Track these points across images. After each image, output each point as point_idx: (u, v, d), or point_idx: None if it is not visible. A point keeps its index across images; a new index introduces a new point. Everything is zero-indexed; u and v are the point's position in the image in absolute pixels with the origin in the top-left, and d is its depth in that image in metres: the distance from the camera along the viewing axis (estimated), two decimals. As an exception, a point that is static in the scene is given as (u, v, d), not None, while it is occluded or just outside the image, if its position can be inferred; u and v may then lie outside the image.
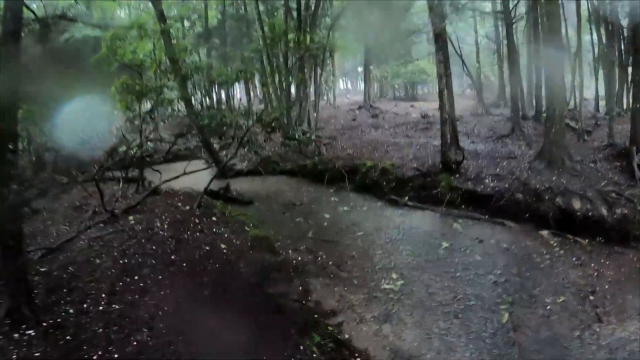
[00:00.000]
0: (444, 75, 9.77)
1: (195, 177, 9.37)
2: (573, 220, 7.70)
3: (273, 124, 12.72)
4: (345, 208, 9.28)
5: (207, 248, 6.55)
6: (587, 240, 7.42)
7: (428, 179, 9.34)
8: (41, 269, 5.36)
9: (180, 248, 6.33)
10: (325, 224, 8.61)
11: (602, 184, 8.19)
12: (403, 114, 14.56)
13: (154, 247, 6.22)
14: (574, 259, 6.82)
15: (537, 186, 8.26)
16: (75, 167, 9.52)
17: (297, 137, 12.25)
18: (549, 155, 9.06)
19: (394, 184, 9.64)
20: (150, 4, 11.96)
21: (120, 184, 8.98)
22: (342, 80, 41.61)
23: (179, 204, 8.15)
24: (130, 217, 7.16)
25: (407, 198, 9.29)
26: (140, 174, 9.08)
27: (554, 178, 8.45)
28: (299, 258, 7.23)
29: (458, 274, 6.65)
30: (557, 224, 7.81)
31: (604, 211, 7.59)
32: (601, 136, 11.78)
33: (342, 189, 10.31)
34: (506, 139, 12.56)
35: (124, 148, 9.55)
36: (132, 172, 9.53)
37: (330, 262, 7.09)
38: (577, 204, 7.80)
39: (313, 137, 12.74)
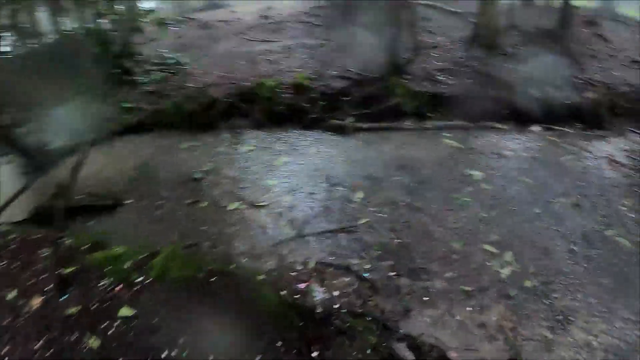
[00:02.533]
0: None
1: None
2: (552, 111, 6.53)
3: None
4: (285, 159, 5.84)
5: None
6: (572, 129, 6.46)
7: (373, 88, 6.65)
8: None
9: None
10: (263, 213, 5.12)
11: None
12: (234, 20, 10.81)
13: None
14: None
15: (507, 79, 6.69)
16: None
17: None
18: (485, 39, 7.56)
19: (323, 103, 6.58)
20: None
21: None
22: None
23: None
24: None
25: (352, 119, 6.47)
26: None
27: (507, 66, 7.02)
28: None
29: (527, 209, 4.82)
30: (542, 117, 6.55)
31: (576, 98, 6.64)
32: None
33: (244, 128, 6.63)
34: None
35: None
36: None
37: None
38: (553, 93, 6.63)
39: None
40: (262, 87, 6.74)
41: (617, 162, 5.51)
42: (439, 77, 6.85)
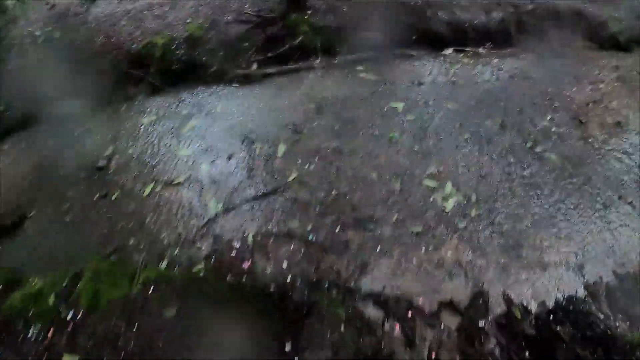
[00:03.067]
0: None
1: None
2: (464, 32, 6.45)
3: None
4: (193, 124, 5.04)
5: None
6: (483, 49, 6.43)
7: (274, 29, 5.95)
8: None
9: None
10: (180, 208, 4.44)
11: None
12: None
13: None
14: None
15: (413, 4, 6.40)
16: None
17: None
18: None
19: (222, 53, 5.77)
20: None
21: None
22: None
23: None
24: None
25: (257, 66, 5.79)
26: None
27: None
28: None
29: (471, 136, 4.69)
30: (452, 39, 6.42)
31: (484, 18, 6.59)
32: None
33: (140, 97, 5.61)
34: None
35: None
36: None
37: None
38: (462, 15, 6.50)
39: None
40: (153, 48, 5.68)
41: (530, 78, 5.53)
42: (343, 9, 6.30)
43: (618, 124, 4.73)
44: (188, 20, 5.95)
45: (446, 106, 5.00)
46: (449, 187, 4.06)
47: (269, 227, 3.65)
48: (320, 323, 2.76)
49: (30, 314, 2.73)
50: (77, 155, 4.83)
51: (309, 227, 3.66)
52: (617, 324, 3.19)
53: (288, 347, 2.61)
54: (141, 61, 5.60)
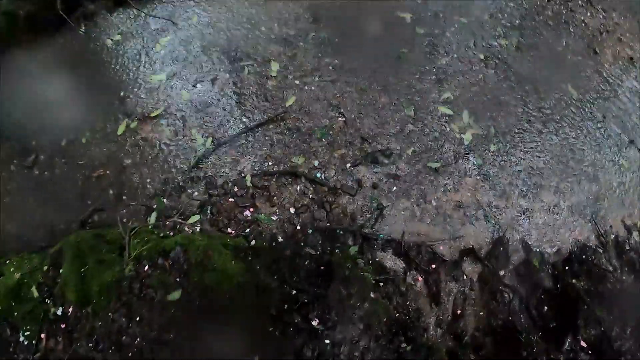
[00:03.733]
0: None
1: None
2: None
3: None
4: (166, 40, 4.08)
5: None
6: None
7: None
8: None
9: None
10: None
11: None
12: None
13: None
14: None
15: None
16: None
17: None
18: None
19: None
20: None
21: None
22: None
23: None
24: None
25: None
26: None
27: None
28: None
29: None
30: None
31: None
32: None
33: (100, 14, 4.38)
34: None
35: None
36: None
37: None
38: None
39: None
40: None
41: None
42: None
43: (630, 59, 4.37)
44: None
45: (458, 19, 4.36)
46: (466, 116, 3.62)
47: (269, 164, 3.09)
48: (346, 288, 2.37)
49: (15, 315, 2.14)
50: (41, 93, 3.76)
51: (315, 163, 3.13)
52: (624, 277, 3.08)
53: (315, 322, 2.22)
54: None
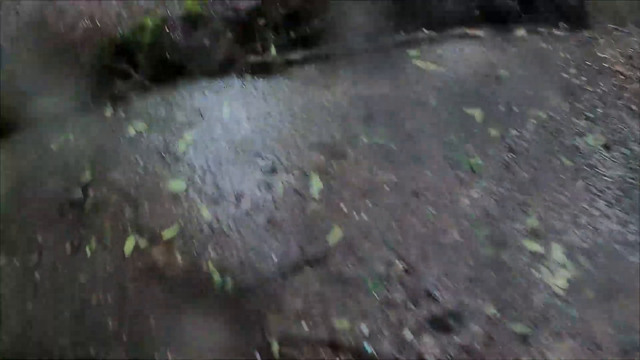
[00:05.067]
0: None
1: None
2: (535, 6, 4.92)
3: None
4: (191, 137, 3.80)
5: None
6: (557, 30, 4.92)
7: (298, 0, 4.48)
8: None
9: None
10: None
11: None
12: None
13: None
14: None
15: None
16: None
17: None
18: None
19: (231, 35, 4.35)
20: None
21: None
22: None
23: None
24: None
25: (276, 51, 4.37)
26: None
27: None
28: None
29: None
30: (521, 15, 4.91)
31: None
32: None
33: (126, 96, 4.28)
34: None
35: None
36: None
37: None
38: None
39: None
40: (142, 31, 4.25)
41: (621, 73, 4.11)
42: None
43: None
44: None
45: (535, 113, 3.65)
46: (557, 251, 2.82)
47: (303, 327, 2.48)
48: None
49: None
50: (52, 178, 3.68)
51: (364, 330, 2.47)
52: None
53: None
54: (129, 49, 4.21)
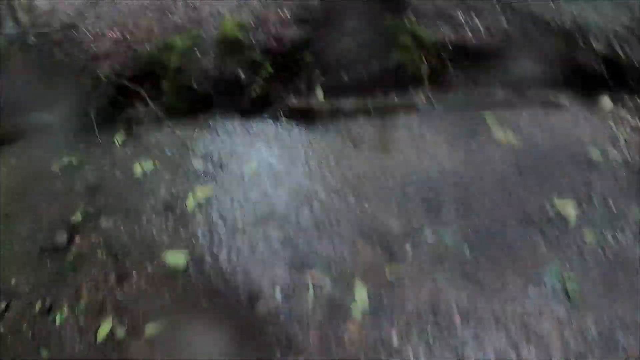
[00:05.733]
0: None
1: None
2: (621, 72, 4.22)
3: None
4: (204, 194, 3.05)
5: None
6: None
7: (355, 37, 3.76)
8: None
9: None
10: None
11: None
12: None
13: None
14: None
15: (560, 23, 4.17)
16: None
17: None
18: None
19: (271, 68, 3.62)
20: None
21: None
22: None
23: None
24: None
25: (323, 96, 3.66)
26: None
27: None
28: None
29: None
30: (606, 82, 4.19)
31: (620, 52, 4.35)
32: None
33: (141, 125, 3.57)
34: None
35: None
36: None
37: None
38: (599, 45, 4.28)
39: None
40: (170, 51, 3.54)
41: None
42: (459, 17, 4.05)
43: None
44: (226, 15, 3.74)
45: (635, 208, 2.89)
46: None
47: None
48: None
49: None
50: (43, 205, 3.02)
51: None
52: None
53: None
54: (153, 70, 3.49)
